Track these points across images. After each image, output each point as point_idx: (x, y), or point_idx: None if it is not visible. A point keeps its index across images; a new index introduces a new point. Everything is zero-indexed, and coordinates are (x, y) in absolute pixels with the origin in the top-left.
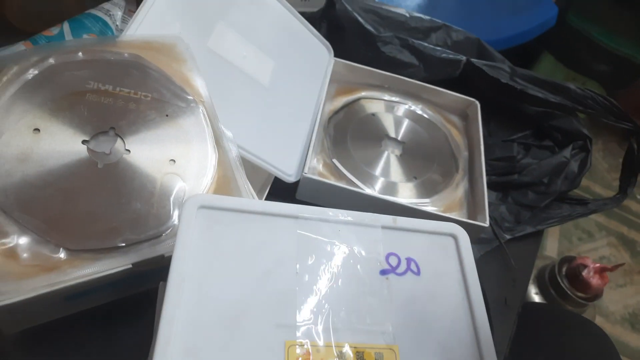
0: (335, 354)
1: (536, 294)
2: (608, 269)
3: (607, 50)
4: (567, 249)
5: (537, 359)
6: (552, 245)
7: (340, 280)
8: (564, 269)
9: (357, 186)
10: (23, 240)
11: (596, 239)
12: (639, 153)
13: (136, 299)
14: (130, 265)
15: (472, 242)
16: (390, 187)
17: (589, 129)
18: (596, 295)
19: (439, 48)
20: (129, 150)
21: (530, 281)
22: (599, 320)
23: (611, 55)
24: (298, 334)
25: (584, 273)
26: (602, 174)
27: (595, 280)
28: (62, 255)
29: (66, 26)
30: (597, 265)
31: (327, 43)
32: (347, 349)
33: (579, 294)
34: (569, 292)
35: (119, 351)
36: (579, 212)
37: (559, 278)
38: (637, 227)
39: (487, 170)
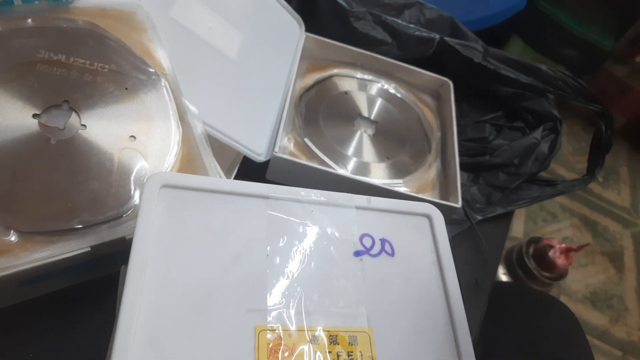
0: (308, 338)
1: (504, 274)
2: (573, 249)
3: (575, 35)
4: (533, 230)
5: (507, 338)
6: (518, 227)
7: (312, 262)
8: (530, 250)
9: (329, 166)
10: None
11: (560, 220)
12: (606, 135)
13: (96, 283)
14: (89, 249)
15: (445, 223)
16: (363, 168)
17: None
18: (561, 275)
19: (412, 25)
20: (84, 126)
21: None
22: (562, 299)
23: (579, 41)
24: (269, 318)
25: (550, 253)
26: (566, 157)
27: (560, 261)
28: (13, 238)
29: None
30: (563, 245)
31: (298, 17)
32: (320, 333)
33: (545, 274)
34: (535, 272)
35: (80, 339)
36: (548, 193)
37: (526, 258)
38: (599, 209)
39: (459, 151)
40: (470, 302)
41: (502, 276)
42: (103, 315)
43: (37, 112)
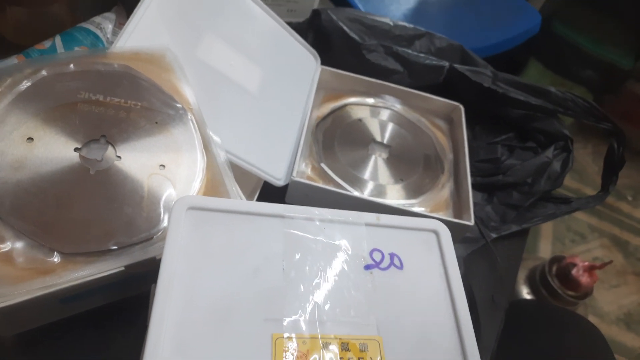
0: (321, 345)
1: (528, 293)
2: (597, 267)
3: (593, 56)
4: (560, 251)
5: (529, 352)
6: (545, 248)
7: (325, 275)
8: (553, 269)
9: (344, 189)
10: (18, 245)
11: (589, 240)
12: (619, 152)
13: (130, 302)
14: (123, 268)
15: (459, 241)
16: (378, 189)
17: (578, 133)
18: (586, 293)
19: (422, 55)
20: (120, 157)
21: (522, 282)
22: (594, 321)
23: (597, 61)
24: (285, 327)
25: (574, 271)
26: (592, 176)
27: (584, 279)
28: (56, 259)
29: (58, 40)
30: (586, 263)
31: (314, 51)
32: (332, 340)
33: (570, 293)
34: (559, 290)
35: (114, 353)
36: (563, 210)
37: (549, 277)
38: (629, 228)
39: (472, 172)
40: (486, 318)
41: (527, 296)
42: (136, 330)
43: (78, 146)
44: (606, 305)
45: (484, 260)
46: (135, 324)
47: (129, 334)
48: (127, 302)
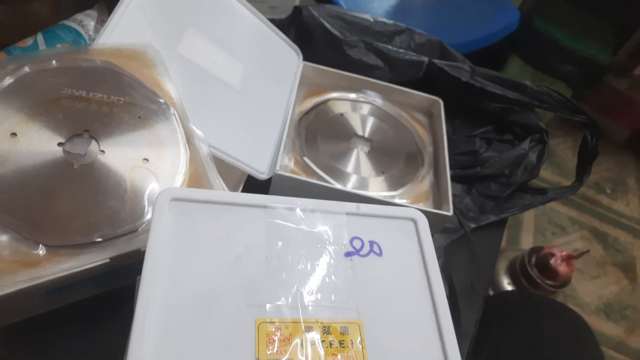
0: (304, 329)
1: (509, 284)
2: (574, 256)
3: (572, 52)
4: (542, 244)
5: (509, 341)
6: (526, 240)
7: (307, 262)
8: (533, 259)
9: (326, 181)
10: (3, 238)
11: (569, 232)
12: (592, 143)
13: (115, 294)
14: (108, 260)
15: (439, 231)
16: (360, 182)
17: (558, 127)
18: (564, 282)
19: (402, 50)
20: (103, 151)
21: (503, 272)
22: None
23: (576, 57)
24: (268, 312)
25: (552, 261)
26: (572, 170)
27: (562, 268)
28: (41, 251)
29: (40, 37)
30: (564, 253)
31: (296, 47)
32: (314, 324)
33: (548, 282)
34: (538, 280)
35: (99, 345)
36: (540, 200)
37: (528, 267)
38: (608, 220)
39: (451, 164)
40: (466, 305)
41: (507, 286)
42: (121, 321)
43: (62, 141)
44: (586, 295)
45: (463, 250)
46: (120, 316)
47: (114, 326)
48: (112, 294)
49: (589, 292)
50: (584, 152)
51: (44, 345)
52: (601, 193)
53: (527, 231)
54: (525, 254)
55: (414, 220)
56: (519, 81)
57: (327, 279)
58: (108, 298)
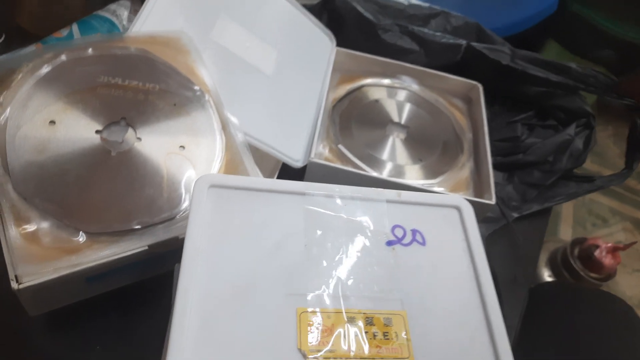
0: (346, 319)
1: (549, 276)
2: (620, 248)
3: (612, 36)
4: (582, 235)
5: (556, 335)
6: (566, 232)
7: (347, 251)
8: (575, 251)
9: (362, 169)
10: (44, 225)
11: (610, 224)
12: None
13: (153, 282)
14: (146, 247)
15: (480, 221)
16: (397, 170)
17: (598, 115)
18: (609, 275)
19: (438, 34)
20: (140, 139)
21: (543, 264)
22: None
23: (616, 41)
24: (309, 301)
25: (596, 253)
26: (613, 159)
27: (607, 260)
28: (81, 238)
29: (75, 28)
30: (609, 244)
31: (329, 32)
32: (356, 315)
33: (592, 275)
34: (582, 273)
35: (138, 332)
36: (586, 189)
37: (571, 260)
38: None
39: (492, 151)
40: (509, 297)
41: (548, 278)
42: (160, 309)
43: (99, 129)
44: (629, 289)
45: (505, 241)
46: (159, 304)
47: (153, 313)
48: (149, 282)
49: (632, 285)
50: (633, 138)
51: (82, 331)
52: (631, 175)
53: (566, 222)
54: (567, 245)
55: (458, 208)
56: (563, 63)
57: (368, 269)
58: (146, 286)
